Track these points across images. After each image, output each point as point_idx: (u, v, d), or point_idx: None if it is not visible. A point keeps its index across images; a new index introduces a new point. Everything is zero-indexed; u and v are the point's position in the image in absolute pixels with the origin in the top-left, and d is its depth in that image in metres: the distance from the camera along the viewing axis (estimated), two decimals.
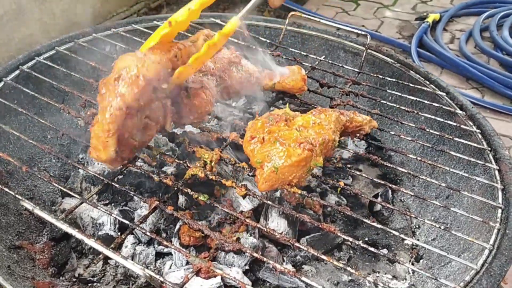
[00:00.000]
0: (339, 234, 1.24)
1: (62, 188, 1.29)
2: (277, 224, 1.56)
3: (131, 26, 1.95)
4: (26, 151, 1.69)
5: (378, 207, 1.76)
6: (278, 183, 1.30)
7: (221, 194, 1.59)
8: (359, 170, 1.89)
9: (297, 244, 1.21)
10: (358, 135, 1.52)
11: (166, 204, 1.37)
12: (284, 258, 1.56)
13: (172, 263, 1.50)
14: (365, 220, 1.27)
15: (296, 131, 1.32)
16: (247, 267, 1.47)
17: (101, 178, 1.33)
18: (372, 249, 1.20)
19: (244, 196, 1.39)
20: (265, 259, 1.16)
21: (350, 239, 1.23)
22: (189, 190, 1.32)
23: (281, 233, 1.52)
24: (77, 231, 1.12)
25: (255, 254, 1.17)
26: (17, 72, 1.67)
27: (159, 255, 1.53)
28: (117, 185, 1.32)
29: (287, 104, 1.47)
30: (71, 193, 1.28)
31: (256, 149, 1.32)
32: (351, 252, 1.61)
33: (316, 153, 1.30)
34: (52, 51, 1.78)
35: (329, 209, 1.69)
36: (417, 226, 1.71)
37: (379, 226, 1.27)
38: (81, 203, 1.27)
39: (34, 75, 1.64)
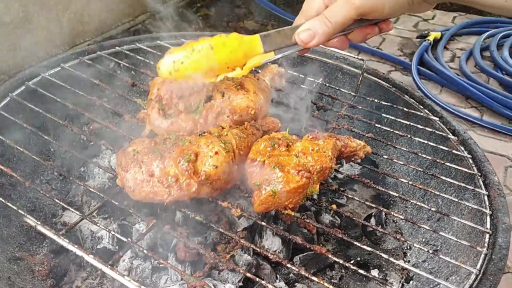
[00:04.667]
0: (330, 256, 1.28)
1: (63, 204, 1.33)
2: (271, 242, 1.60)
3: (135, 44, 2.00)
4: (29, 164, 1.74)
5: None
6: (274, 206, 1.34)
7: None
8: (353, 190, 1.94)
9: (288, 265, 1.25)
10: (352, 159, 1.56)
11: (163, 223, 1.41)
12: (278, 276, 1.60)
13: (168, 277, 1.55)
14: (356, 243, 1.31)
15: (295, 157, 1.36)
16: (240, 284, 1.52)
17: (101, 195, 1.38)
18: (361, 271, 1.24)
19: (239, 217, 1.43)
20: (257, 279, 1.20)
21: (341, 261, 1.27)
22: (186, 210, 1.37)
23: (275, 251, 1.58)
24: (77, 247, 1.17)
25: (248, 274, 1.22)
26: (23, 87, 1.72)
27: (155, 270, 1.58)
28: (116, 203, 1.37)
29: (287, 129, 1.51)
30: (72, 210, 1.33)
31: (256, 172, 1.36)
32: (343, 271, 1.65)
33: (313, 180, 1.35)
34: (58, 67, 1.83)
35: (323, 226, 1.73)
36: (408, 247, 1.75)
37: (369, 248, 1.31)
38: (81, 219, 1.32)
39: (39, 91, 1.69)
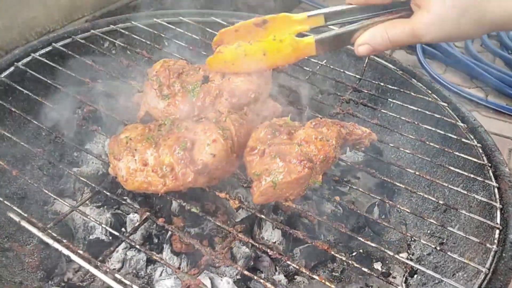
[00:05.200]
0: (332, 252, 1.22)
1: (52, 195, 1.27)
2: (271, 233, 1.54)
3: (131, 23, 1.90)
4: (19, 149, 1.65)
5: (374, 215, 1.73)
6: (274, 198, 1.28)
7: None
8: (356, 178, 1.87)
9: (288, 262, 1.19)
10: (357, 147, 1.49)
11: (157, 215, 1.35)
12: (277, 268, 1.54)
13: (163, 269, 1.49)
14: (359, 238, 1.25)
15: (297, 146, 1.29)
16: (238, 277, 1.46)
17: (93, 185, 1.32)
18: (365, 269, 1.18)
19: (237, 209, 1.37)
20: (255, 277, 1.14)
21: (344, 258, 1.21)
22: (181, 201, 1.30)
23: (275, 242, 1.52)
24: (65, 242, 1.11)
25: (245, 272, 1.16)
26: (12, 68, 1.63)
27: (150, 261, 1.52)
28: (108, 194, 1.30)
29: (289, 115, 1.44)
30: (61, 201, 1.26)
31: (256, 161, 1.29)
32: (345, 263, 1.58)
33: (316, 170, 1.28)
34: (49, 47, 1.74)
35: (324, 217, 1.66)
36: (412, 240, 1.69)
37: (372, 244, 1.25)
38: (71, 211, 1.25)
39: (29, 73, 1.61)
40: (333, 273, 1.56)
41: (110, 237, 1.53)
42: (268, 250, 1.21)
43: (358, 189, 1.41)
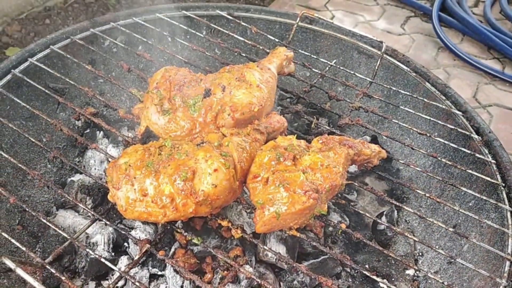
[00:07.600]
0: None
1: (53, 227, 1.25)
2: (275, 249, 1.51)
3: (132, 19, 1.81)
4: (21, 158, 1.62)
5: (382, 226, 1.69)
6: (278, 227, 1.25)
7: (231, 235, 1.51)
8: (365, 184, 1.81)
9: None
10: (365, 165, 1.44)
11: (161, 241, 1.32)
12: (281, 284, 1.52)
13: (166, 286, 1.48)
14: (367, 274, 1.22)
15: (302, 173, 1.24)
16: None
17: (91, 213, 1.29)
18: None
19: (239, 239, 1.34)
20: None
21: None
22: (182, 231, 1.28)
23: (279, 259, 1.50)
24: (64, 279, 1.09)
25: None
26: (9, 77, 1.56)
27: (153, 276, 1.50)
28: (107, 222, 1.28)
29: (295, 135, 1.38)
30: (62, 233, 1.24)
31: (259, 188, 1.26)
32: (350, 280, 1.56)
33: (322, 200, 1.24)
34: (47, 50, 1.66)
35: (330, 229, 1.63)
36: (420, 254, 1.65)
37: (379, 279, 1.22)
38: (69, 243, 1.24)
39: (26, 81, 1.54)
40: None
41: (113, 253, 1.51)
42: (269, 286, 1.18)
43: (366, 215, 1.36)
